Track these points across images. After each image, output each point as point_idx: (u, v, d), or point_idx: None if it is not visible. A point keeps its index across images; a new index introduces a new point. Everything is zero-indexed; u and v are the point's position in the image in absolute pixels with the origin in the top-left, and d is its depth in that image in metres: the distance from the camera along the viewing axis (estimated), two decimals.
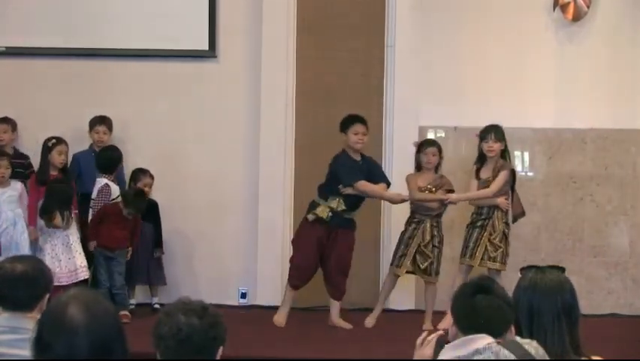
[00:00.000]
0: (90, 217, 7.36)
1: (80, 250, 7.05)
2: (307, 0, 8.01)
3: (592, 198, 8.02)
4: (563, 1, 7.94)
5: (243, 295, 7.99)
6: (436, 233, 7.09)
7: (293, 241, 7.29)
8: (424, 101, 7.94)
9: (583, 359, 3.15)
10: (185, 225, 8.03)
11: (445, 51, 8.01)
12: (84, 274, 7.01)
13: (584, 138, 8.03)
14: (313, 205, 7.07)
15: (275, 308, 7.27)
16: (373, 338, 6.81)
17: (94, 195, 7.37)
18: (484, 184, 7.07)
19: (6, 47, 8.09)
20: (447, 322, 6.70)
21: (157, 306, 7.49)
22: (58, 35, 8.04)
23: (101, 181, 7.37)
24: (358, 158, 7.09)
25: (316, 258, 7.06)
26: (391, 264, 7.19)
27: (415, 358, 3.24)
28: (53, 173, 7.41)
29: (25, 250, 7.08)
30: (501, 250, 6.98)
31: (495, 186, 7.01)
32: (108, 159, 7.50)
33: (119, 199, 7.32)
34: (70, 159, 7.66)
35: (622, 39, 8.00)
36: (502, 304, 2.98)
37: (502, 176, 7.03)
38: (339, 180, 6.97)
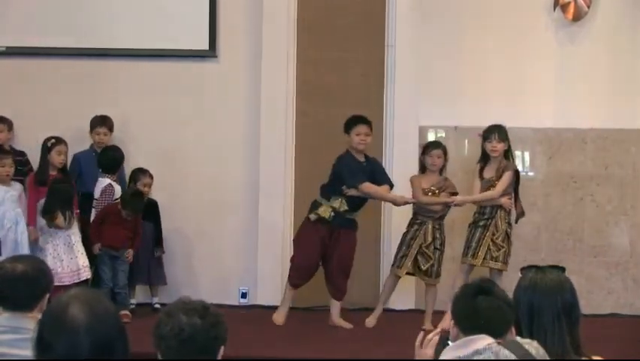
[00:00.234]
0: (92, 217, 7.37)
1: (82, 250, 7.05)
2: (307, 0, 8.01)
3: (592, 198, 8.02)
4: (563, 1, 7.94)
5: (244, 295, 7.99)
6: (438, 235, 7.09)
7: (294, 240, 7.29)
8: (424, 101, 7.94)
9: (583, 359, 3.16)
10: (185, 225, 8.03)
11: (445, 51, 8.01)
12: (86, 274, 7.01)
13: (584, 138, 8.03)
14: (315, 205, 7.07)
15: (275, 308, 7.27)
16: (373, 338, 6.81)
17: (97, 195, 7.38)
18: (488, 184, 7.06)
19: (6, 47, 8.09)
20: (447, 322, 6.70)
21: (157, 306, 7.49)
22: (58, 35, 8.04)
23: (105, 181, 7.38)
24: (362, 159, 7.09)
25: (317, 258, 7.06)
26: (392, 265, 7.19)
27: (416, 358, 3.24)
28: (53, 173, 7.41)
29: (25, 250, 7.08)
30: (503, 249, 6.98)
31: (500, 186, 7.00)
32: (111, 159, 7.52)
33: None
34: (70, 158, 7.66)
35: (622, 39, 8.00)
36: (503, 305, 2.98)
37: (507, 177, 7.02)
38: (343, 181, 6.97)
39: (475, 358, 2.81)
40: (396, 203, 7.14)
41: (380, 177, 7.12)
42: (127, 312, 7.08)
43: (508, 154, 7.13)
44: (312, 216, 7.05)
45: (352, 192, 6.98)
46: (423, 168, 7.22)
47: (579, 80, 8.01)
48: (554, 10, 7.98)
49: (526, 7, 8.01)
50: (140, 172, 7.63)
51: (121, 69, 8.08)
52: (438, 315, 6.99)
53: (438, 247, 7.08)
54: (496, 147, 7.04)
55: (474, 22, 8.03)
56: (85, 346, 2.38)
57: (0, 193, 7.02)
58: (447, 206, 7.11)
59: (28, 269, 3.43)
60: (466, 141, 7.99)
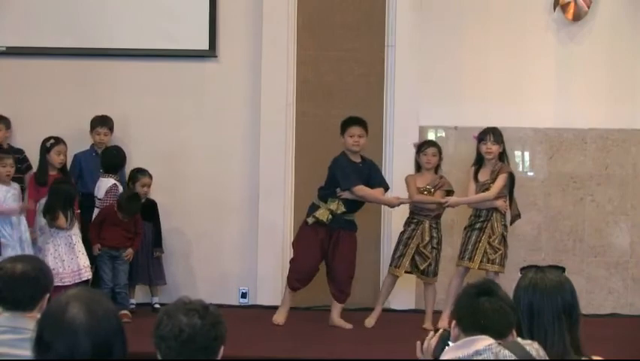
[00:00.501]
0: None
1: (82, 250, 7.05)
2: (307, 0, 8.01)
3: (592, 198, 8.02)
4: (563, 1, 7.94)
5: (243, 295, 7.99)
6: (435, 234, 7.09)
7: (293, 244, 7.28)
8: (424, 101, 7.93)
9: (583, 358, 3.15)
10: (185, 225, 8.03)
11: (445, 51, 8.01)
12: (87, 274, 7.01)
13: (585, 138, 8.03)
14: (313, 208, 7.07)
15: (275, 308, 7.27)
16: (373, 338, 6.81)
17: (102, 195, 7.38)
18: (483, 187, 7.05)
19: (6, 47, 8.09)
20: (446, 321, 6.70)
21: (157, 306, 7.49)
22: (58, 35, 8.04)
23: (109, 181, 7.39)
24: (358, 160, 7.09)
25: (317, 260, 7.05)
26: (390, 264, 7.19)
27: (417, 358, 3.23)
28: (52, 173, 7.41)
29: (30, 248, 7.08)
30: (500, 252, 6.97)
31: (495, 188, 7.00)
32: (114, 159, 7.53)
33: None
34: (70, 158, 7.66)
35: (622, 39, 8.00)
36: (506, 307, 2.97)
37: (502, 179, 7.02)
38: (337, 183, 6.97)
39: (475, 358, 2.81)
40: (391, 205, 7.15)
41: (376, 179, 7.11)
42: (127, 312, 7.09)
43: (503, 156, 7.12)
44: (310, 220, 7.04)
45: (346, 194, 6.97)
46: (418, 167, 7.21)
47: (579, 80, 8.01)
48: (554, 10, 7.98)
49: (527, 7, 8.01)
50: (139, 172, 7.63)
51: (121, 69, 8.09)
52: (437, 315, 7.01)
53: (435, 245, 7.08)
54: (490, 148, 7.03)
55: (474, 22, 8.03)
56: (84, 346, 2.38)
57: (1, 193, 7.03)
58: (442, 206, 7.10)
59: (28, 269, 3.43)
60: (466, 141, 7.98)
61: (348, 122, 7.08)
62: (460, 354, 2.85)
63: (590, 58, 8.00)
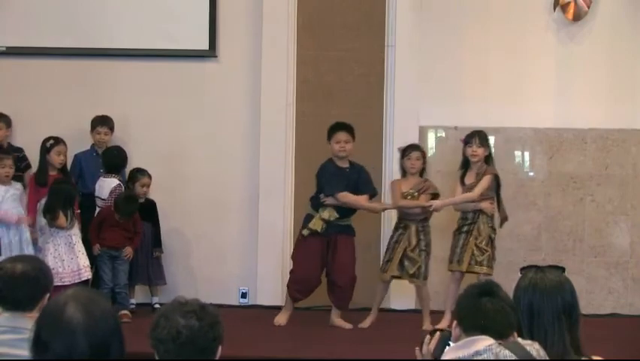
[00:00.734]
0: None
1: (82, 250, 7.05)
2: (307, 0, 8.01)
3: (592, 198, 8.02)
4: (563, 1, 7.94)
5: (243, 295, 7.99)
6: (422, 237, 7.06)
7: (292, 256, 7.24)
8: (424, 101, 7.93)
9: (583, 358, 3.15)
10: (185, 225, 8.03)
11: (445, 51, 8.01)
12: (87, 274, 7.01)
13: (585, 138, 8.03)
14: (307, 219, 7.06)
15: (275, 308, 7.27)
16: (373, 338, 6.81)
17: (105, 194, 7.38)
18: (469, 190, 7.04)
19: (6, 47, 8.09)
20: (446, 322, 6.70)
21: (157, 306, 7.48)
22: (58, 35, 8.04)
23: (113, 181, 7.39)
24: (346, 165, 7.06)
25: (317, 271, 7.01)
26: (380, 270, 7.18)
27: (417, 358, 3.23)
28: (52, 173, 7.41)
29: (29, 248, 7.08)
30: (487, 253, 6.96)
31: (478, 189, 6.98)
32: (115, 159, 7.53)
33: None
34: (70, 158, 7.66)
35: (622, 39, 8.00)
36: (507, 308, 2.98)
37: (486, 180, 7.00)
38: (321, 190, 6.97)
39: (475, 358, 2.81)
40: (374, 211, 7.12)
41: (363, 185, 7.08)
42: (127, 312, 7.09)
43: (489, 159, 7.11)
44: (305, 232, 7.01)
45: (330, 200, 6.96)
46: (404, 172, 7.18)
47: (579, 80, 8.00)
48: (554, 10, 7.98)
49: (527, 7, 8.01)
50: (138, 172, 7.63)
51: (121, 69, 8.08)
52: (437, 315, 7.00)
53: (423, 248, 7.05)
54: (476, 151, 7.02)
55: (474, 22, 8.03)
56: (82, 346, 2.38)
57: (0, 193, 7.03)
58: (427, 209, 7.09)
59: (28, 269, 3.43)
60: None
61: (335, 128, 7.07)
62: (461, 354, 2.85)
63: (590, 58, 8.00)
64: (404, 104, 7.90)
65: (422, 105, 7.93)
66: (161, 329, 2.53)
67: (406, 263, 7.02)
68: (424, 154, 7.19)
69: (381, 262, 7.20)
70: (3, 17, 8.10)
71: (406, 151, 7.18)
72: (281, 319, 7.11)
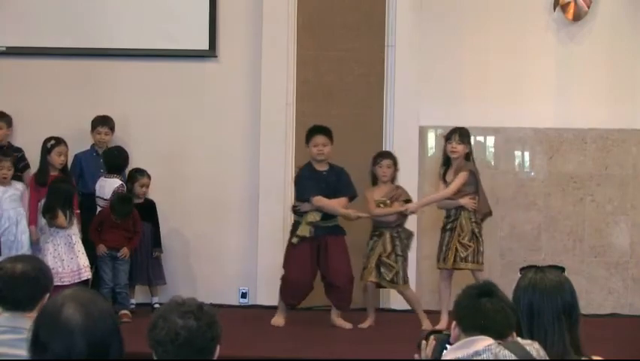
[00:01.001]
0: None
1: (82, 250, 7.05)
2: (307, 0, 8.01)
3: (592, 198, 8.02)
4: (563, 1, 7.94)
5: (243, 295, 7.99)
6: (397, 243, 7.03)
7: (283, 265, 7.17)
8: (424, 101, 7.93)
9: (583, 359, 3.15)
10: (185, 225, 8.03)
11: (445, 51, 8.01)
12: (87, 274, 7.02)
13: (585, 138, 8.03)
14: (294, 226, 7.06)
15: (275, 308, 7.26)
16: (373, 338, 6.81)
17: (107, 195, 7.38)
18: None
19: (6, 47, 8.09)
20: (444, 323, 6.69)
21: (157, 306, 7.48)
22: (58, 35, 8.04)
23: (116, 182, 7.39)
24: (324, 168, 7.06)
25: (309, 276, 7.00)
26: (359, 278, 7.15)
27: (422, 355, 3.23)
28: (53, 173, 7.41)
29: (25, 248, 7.09)
30: (471, 249, 6.92)
31: (453, 186, 6.95)
32: (116, 159, 7.53)
33: None
34: (70, 158, 7.66)
35: (622, 39, 8.00)
36: (507, 308, 2.98)
37: (461, 177, 6.96)
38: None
39: (474, 358, 2.81)
40: (348, 218, 7.04)
41: (342, 187, 7.06)
42: (127, 312, 7.10)
43: (469, 156, 7.08)
44: (295, 240, 7.00)
45: (306, 206, 6.95)
46: (375, 180, 7.14)
47: (579, 80, 8.00)
48: (554, 10, 7.98)
49: (526, 7, 8.01)
50: (137, 173, 7.63)
51: (121, 69, 8.08)
52: (435, 315, 7.00)
53: (400, 253, 7.02)
54: (455, 148, 6.99)
55: (474, 22, 8.03)
56: (80, 346, 2.38)
57: None
58: (403, 215, 7.07)
59: (28, 269, 3.43)
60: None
61: (312, 132, 7.07)
62: (460, 355, 2.85)
63: (590, 58, 8.00)
64: (404, 104, 7.90)
65: (422, 105, 7.93)
66: (159, 330, 2.53)
67: (383, 270, 6.99)
68: (395, 161, 7.16)
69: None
70: (3, 17, 8.10)
71: (377, 159, 7.14)
72: (278, 321, 7.11)
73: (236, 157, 8.05)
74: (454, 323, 3.04)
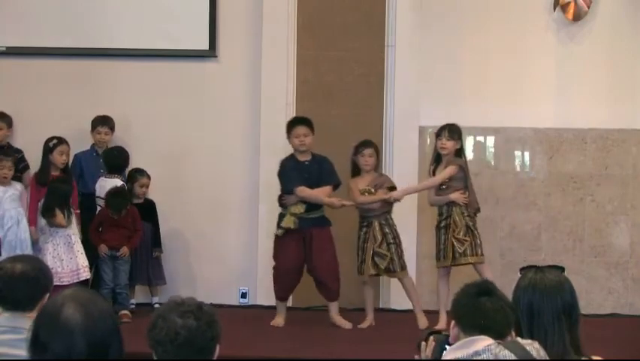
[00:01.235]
0: None
1: (81, 250, 7.06)
2: (307, 0, 8.01)
3: (592, 198, 8.02)
4: (563, 1, 7.94)
5: (243, 295, 7.99)
6: (387, 230, 7.03)
7: (273, 256, 7.19)
8: (424, 101, 7.93)
9: (583, 358, 3.15)
10: (185, 224, 8.04)
11: (445, 51, 8.01)
12: (86, 274, 7.02)
13: (585, 138, 8.03)
14: (279, 218, 7.07)
15: (275, 308, 7.26)
16: (373, 338, 6.81)
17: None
18: (440, 184, 7.01)
19: (6, 47, 8.09)
20: (442, 323, 6.69)
21: (157, 306, 7.49)
22: (58, 35, 8.04)
23: (116, 182, 7.38)
24: (307, 158, 7.06)
25: (295, 265, 7.01)
26: (357, 272, 7.14)
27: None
28: (55, 173, 7.41)
29: (29, 248, 7.09)
30: (467, 242, 6.90)
31: (439, 176, 6.93)
32: (116, 159, 7.53)
33: None
34: (71, 159, 7.66)
35: (622, 39, 8.00)
36: (506, 307, 2.98)
37: (449, 169, 6.93)
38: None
39: (474, 358, 2.81)
40: (332, 206, 7.02)
41: (326, 175, 7.06)
42: (127, 312, 7.10)
43: (460, 153, 7.06)
44: (279, 232, 7.02)
45: (291, 198, 6.96)
46: (354, 169, 7.13)
47: (579, 80, 8.00)
48: (554, 10, 7.98)
49: (526, 7, 8.01)
50: (137, 173, 7.63)
51: (121, 69, 8.09)
52: (434, 315, 6.99)
53: (391, 241, 7.01)
54: (445, 144, 6.97)
55: (474, 22, 8.03)
56: (80, 346, 2.38)
57: None
58: (388, 202, 7.06)
59: (28, 269, 3.43)
60: (466, 141, 7.99)
61: (294, 123, 7.09)
62: (460, 355, 2.85)
63: (590, 58, 8.00)
64: (404, 104, 7.90)
65: (422, 105, 7.93)
66: (158, 330, 2.53)
67: (377, 259, 7.00)
68: (377, 150, 7.14)
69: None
70: (3, 17, 8.10)
71: (358, 148, 7.13)
72: (277, 321, 7.11)
73: (237, 157, 8.05)
74: (453, 322, 3.04)
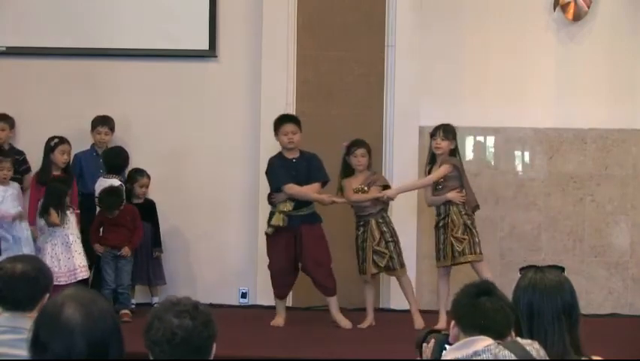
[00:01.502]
0: None
1: (79, 249, 7.05)
2: (307, 0, 8.01)
3: (592, 198, 8.02)
4: (563, 1, 7.94)
5: (243, 295, 7.99)
6: (385, 229, 7.03)
7: (267, 254, 7.20)
8: (424, 101, 7.93)
9: (583, 358, 3.15)
10: (185, 224, 8.04)
11: (445, 51, 8.01)
12: (83, 274, 7.02)
13: (585, 138, 8.03)
14: (269, 216, 7.07)
15: (275, 308, 7.26)
16: (373, 338, 6.81)
17: None
18: (435, 184, 7.02)
19: (6, 47, 8.09)
20: (442, 323, 6.69)
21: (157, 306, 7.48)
22: (58, 35, 8.05)
23: (115, 182, 7.37)
24: (294, 155, 7.07)
25: (288, 262, 7.01)
26: (358, 272, 7.14)
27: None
28: (56, 173, 7.42)
29: (31, 246, 7.09)
30: (466, 241, 6.91)
31: (434, 175, 6.94)
32: (116, 159, 7.53)
33: None
34: (71, 159, 7.67)
35: (622, 39, 8.00)
36: (505, 307, 2.98)
37: (443, 168, 6.93)
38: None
39: (474, 359, 2.81)
40: (323, 203, 7.03)
41: (314, 172, 7.06)
42: (127, 311, 7.10)
43: (455, 153, 7.06)
44: (269, 230, 7.02)
45: (281, 196, 6.96)
46: (345, 168, 7.12)
47: (579, 80, 8.00)
48: (554, 10, 7.98)
49: (527, 7, 8.01)
50: (137, 173, 7.64)
51: (122, 69, 8.09)
52: (433, 315, 6.99)
53: (389, 239, 7.02)
54: (439, 144, 6.98)
55: (474, 22, 8.03)
56: (80, 346, 2.38)
57: None
58: (382, 200, 7.06)
59: (28, 269, 3.44)
60: (467, 141, 8.00)
61: (281, 120, 7.09)
62: (459, 355, 2.85)
63: (590, 58, 8.00)
64: (404, 104, 7.90)
65: (422, 105, 7.93)
66: (155, 330, 2.53)
67: (376, 258, 7.00)
68: (369, 150, 7.14)
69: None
70: (3, 17, 8.11)
71: (350, 148, 7.13)
72: (277, 321, 7.11)
73: (236, 157, 8.05)
74: (452, 322, 3.04)
